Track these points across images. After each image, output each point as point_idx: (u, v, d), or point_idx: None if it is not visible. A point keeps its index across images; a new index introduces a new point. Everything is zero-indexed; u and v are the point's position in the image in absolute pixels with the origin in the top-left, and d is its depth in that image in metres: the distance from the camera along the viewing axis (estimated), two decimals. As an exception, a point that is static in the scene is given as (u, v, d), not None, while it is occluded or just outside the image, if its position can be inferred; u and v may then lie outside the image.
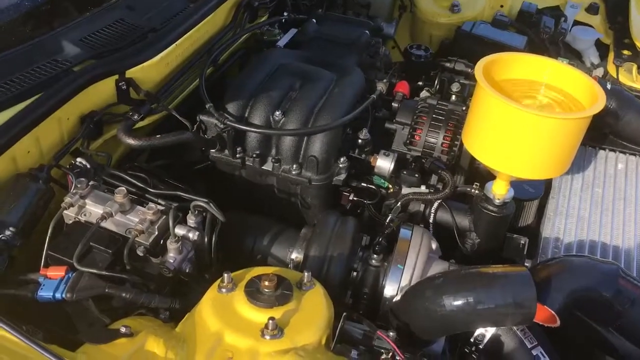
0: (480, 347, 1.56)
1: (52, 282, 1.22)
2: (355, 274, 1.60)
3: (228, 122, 1.65)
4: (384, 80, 1.95)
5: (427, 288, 1.39)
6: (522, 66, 1.65)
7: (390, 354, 1.23)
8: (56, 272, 1.24)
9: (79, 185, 1.40)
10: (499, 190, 1.70)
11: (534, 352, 1.52)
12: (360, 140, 1.80)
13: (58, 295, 1.21)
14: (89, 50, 1.65)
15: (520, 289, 1.30)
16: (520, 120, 1.49)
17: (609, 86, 2.18)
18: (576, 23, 2.55)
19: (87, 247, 1.31)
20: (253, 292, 1.25)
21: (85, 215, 1.39)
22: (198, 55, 1.91)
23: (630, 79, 2.37)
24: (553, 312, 1.45)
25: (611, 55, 2.49)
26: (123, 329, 1.14)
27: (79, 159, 1.50)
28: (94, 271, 1.24)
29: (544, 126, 1.48)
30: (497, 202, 1.70)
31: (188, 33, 1.83)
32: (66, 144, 1.54)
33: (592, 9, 2.57)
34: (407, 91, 2.00)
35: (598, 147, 2.22)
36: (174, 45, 1.77)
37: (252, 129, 1.67)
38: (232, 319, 1.22)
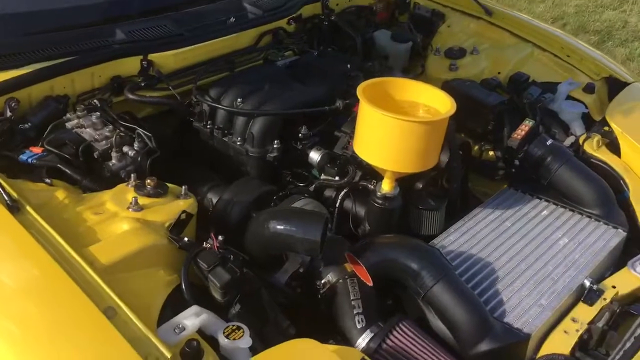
0: (322, 292, 1.97)
1: (32, 153, 1.95)
2: (255, 222, 2.11)
3: (198, 97, 2.32)
4: (346, 101, 2.47)
5: (263, 214, 1.88)
6: (407, 90, 2.10)
7: (209, 246, 1.74)
8: (37, 149, 1.97)
9: (78, 109, 2.14)
10: (385, 186, 2.12)
11: (353, 303, 1.90)
12: (300, 135, 2.33)
13: (29, 160, 1.92)
14: (130, 38, 2.43)
15: (311, 226, 1.73)
16: (385, 123, 1.95)
17: (549, 142, 2.47)
18: (570, 98, 2.82)
19: (63, 142, 2.03)
20: (140, 186, 1.86)
21: (77, 128, 2.12)
22: (215, 61, 2.62)
23: (592, 148, 2.59)
24: (366, 272, 1.84)
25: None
26: (47, 180, 1.82)
27: (94, 100, 2.26)
28: (54, 150, 1.95)
29: (402, 128, 1.93)
30: (379, 194, 2.12)
31: (208, 42, 2.56)
32: (92, 90, 2.31)
33: (588, 88, 2.83)
34: (362, 112, 2.49)
35: (536, 195, 2.48)
36: (192, 47, 2.51)
37: (215, 105, 2.31)
38: (118, 196, 1.83)
